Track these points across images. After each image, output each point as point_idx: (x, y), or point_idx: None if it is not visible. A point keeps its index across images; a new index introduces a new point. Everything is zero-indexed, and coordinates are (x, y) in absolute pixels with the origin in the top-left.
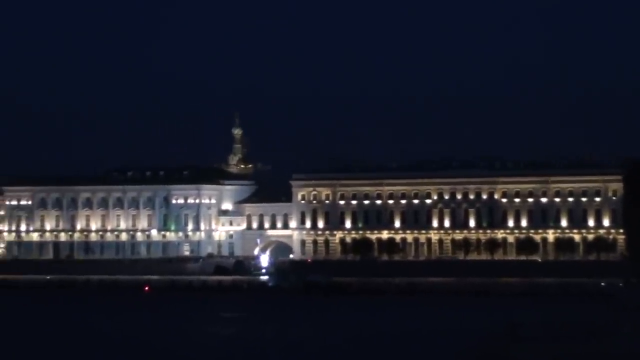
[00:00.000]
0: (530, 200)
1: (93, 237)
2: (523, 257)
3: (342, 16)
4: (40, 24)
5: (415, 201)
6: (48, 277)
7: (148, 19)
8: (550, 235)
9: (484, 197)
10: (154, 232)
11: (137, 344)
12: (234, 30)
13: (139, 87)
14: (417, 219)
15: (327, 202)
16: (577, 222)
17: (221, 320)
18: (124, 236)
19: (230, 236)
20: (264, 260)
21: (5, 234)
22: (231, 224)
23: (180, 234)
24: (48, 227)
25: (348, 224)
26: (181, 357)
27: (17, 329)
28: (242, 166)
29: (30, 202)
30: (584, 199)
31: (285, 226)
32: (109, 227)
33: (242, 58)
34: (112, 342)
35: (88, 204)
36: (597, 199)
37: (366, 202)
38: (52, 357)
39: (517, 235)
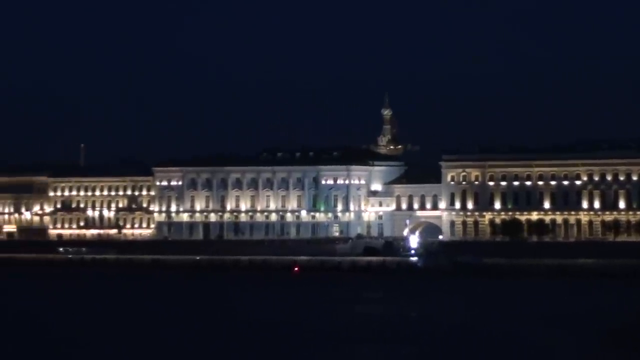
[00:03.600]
0: None
1: (243, 217)
2: None
3: None
4: None
5: (565, 182)
6: (198, 258)
7: None
8: None
9: (634, 178)
10: (303, 212)
11: (285, 323)
12: (384, 10)
13: (288, 67)
14: (566, 200)
15: (476, 183)
16: None
17: (369, 300)
18: (273, 217)
19: (380, 217)
20: (413, 241)
21: (155, 214)
22: (380, 204)
23: (330, 214)
24: (198, 207)
25: (497, 205)
26: (330, 335)
27: (169, 308)
28: (391, 147)
29: (180, 183)
30: None
31: (435, 207)
32: (258, 208)
33: (393, 40)
34: (260, 322)
35: (238, 184)
36: None
37: (516, 183)
38: (203, 336)
39: None
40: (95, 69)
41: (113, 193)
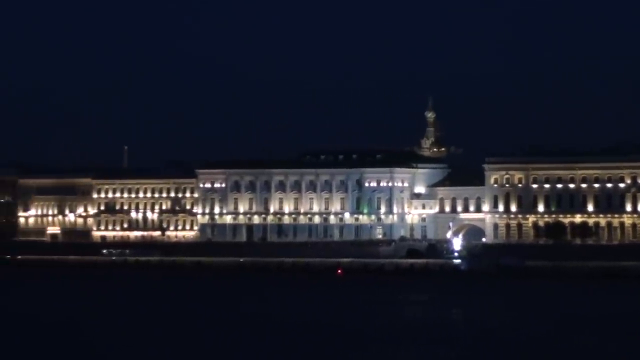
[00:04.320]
0: None
1: (286, 219)
2: None
3: None
4: None
5: (609, 185)
6: (241, 260)
7: None
8: None
9: None
10: (346, 215)
11: (328, 325)
12: (424, 10)
13: (329, 71)
14: (610, 202)
15: (519, 185)
16: None
17: (412, 302)
18: (316, 219)
19: (423, 219)
20: (457, 243)
21: (199, 216)
22: (424, 207)
23: (373, 217)
24: (241, 209)
25: (541, 207)
26: (373, 337)
27: (213, 310)
28: (434, 149)
29: (223, 185)
30: None
31: (478, 209)
32: (301, 210)
33: (437, 42)
34: (304, 324)
35: (281, 187)
36: None
37: (559, 185)
38: (247, 338)
39: None
40: (136, 72)
41: (156, 195)
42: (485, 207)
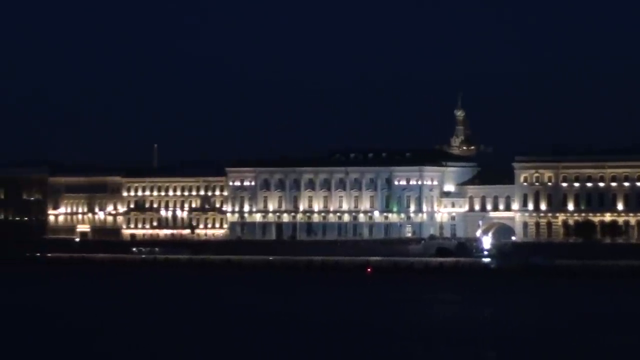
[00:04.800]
0: None
1: (315, 218)
2: None
3: None
4: None
5: (639, 184)
6: (270, 258)
7: None
8: None
9: None
10: (376, 213)
11: (358, 323)
12: (457, 8)
13: (357, 68)
14: None
15: (549, 184)
16: None
17: (442, 301)
18: (346, 217)
19: (453, 218)
20: (486, 242)
21: (228, 214)
22: (453, 205)
23: (402, 215)
24: (271, 208)
25: (570, 206)
26: (402, 336)
27: (242, 308)
28: (464, 148)
29: (253, 183)
30: None
31: (508, 208)
32: (331, 209)
33: (467, 40)
34: (333, 322)
35: (311, 185)
36: None
37: (589, 184)
38: (276, 336)
39: None
40: (168, 72)
41: (186, 193)
42: (515, 205)
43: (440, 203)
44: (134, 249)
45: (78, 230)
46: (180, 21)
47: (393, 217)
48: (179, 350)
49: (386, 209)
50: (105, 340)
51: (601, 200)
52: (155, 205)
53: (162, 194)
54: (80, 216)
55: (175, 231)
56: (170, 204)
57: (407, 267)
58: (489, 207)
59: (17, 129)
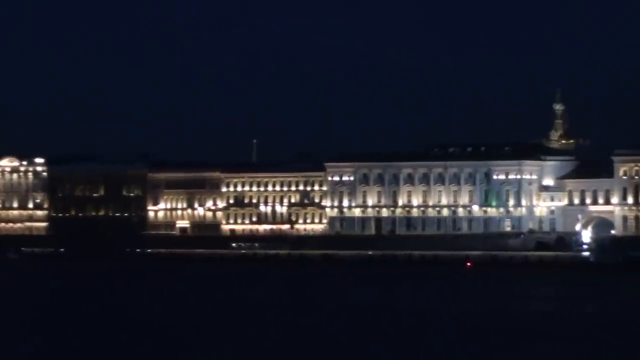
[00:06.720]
0: None
1: (415, 212)
2: None
3: None
4: None
5: None
6: (370, 253)
7: None
8: None
9: None
10: (475, 207)
11: (459, 318)
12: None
13: (462, 62)
14: None
15: None
16: None
17: (542, 296)
18: (445, 212)
19: (552, 212)
20: (585, 236)
21: (327, 209)
22: (552, 199)
23: (502, 209)
24: (370, 202)
25: None
26: (504, 331)
27: (341, 303)
28: (563, 142)
29: (352, 178)
30: None
31: (607, 202)
32: (430, 203)
33: (567, 35)
34: (433, 317)
35: (410, 179)
36: None
37: None
38: (375, 330)
39: None
40: (265, 67)
41: (285, 188)
42: (614, 199)
43: (539, 197)
44: (234, 245)
45: (178, 226)
46: None
47: (492, 212)
48: (276, 343)
49: (485, 203)
50: (207, 336)
51: None
52: (254, 201)
53: (262, 189)
54: (179, 212)
55: (274, 226)
56: (270, 199)
57: (506, 261)
58: (588, 200)
59: (117, 126)
